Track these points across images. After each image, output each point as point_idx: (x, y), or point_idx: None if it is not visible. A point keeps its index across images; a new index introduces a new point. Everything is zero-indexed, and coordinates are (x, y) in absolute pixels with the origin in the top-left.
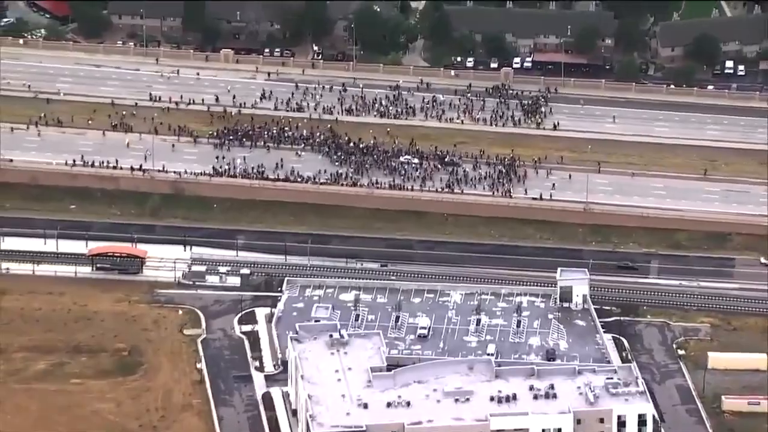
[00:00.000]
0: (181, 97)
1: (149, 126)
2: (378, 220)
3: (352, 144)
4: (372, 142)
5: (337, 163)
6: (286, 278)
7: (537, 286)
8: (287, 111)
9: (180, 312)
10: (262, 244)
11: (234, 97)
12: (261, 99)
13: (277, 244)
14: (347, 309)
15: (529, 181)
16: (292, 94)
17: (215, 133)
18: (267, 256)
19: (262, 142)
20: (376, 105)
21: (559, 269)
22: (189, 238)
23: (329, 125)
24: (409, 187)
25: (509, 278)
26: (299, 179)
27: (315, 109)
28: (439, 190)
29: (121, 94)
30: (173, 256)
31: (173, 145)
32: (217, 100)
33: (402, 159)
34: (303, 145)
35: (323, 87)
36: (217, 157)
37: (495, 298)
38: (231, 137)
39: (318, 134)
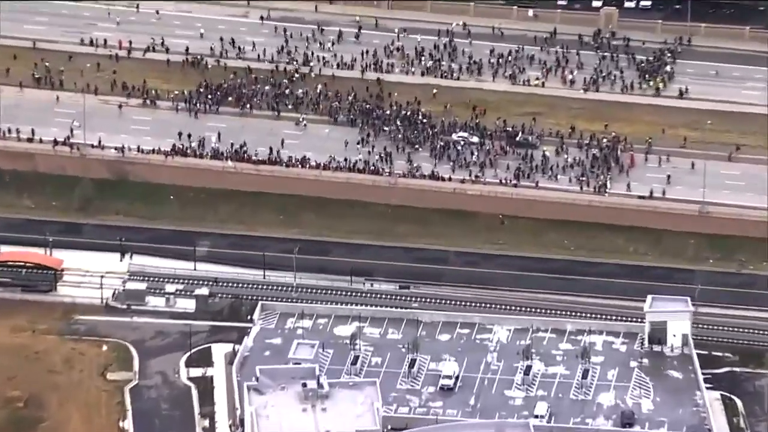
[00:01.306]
0: (131, 43)
1: (87, 80)
2: (402, 223)
3: (381, 111)
4: (412, 109)
5: (358, 144)
6: (260, 302)
7: (618, 320)
8: (289, 64)
9: (104, 348)
10: (232, 254)
11: (214, 43)
12: (253, 47)
13: (254, 254)
14: (343, 348)
15: (635, 171)
16: (303, 39)
17: (182, 94)
18: (238, 270)
19: (249, 107)
20: (420, 58)
21: (649, 297)
22: (128, 243)
23: (351, 87)
24: (458, 177)
25: (580, 309)
26: (296, 163)
27: (329, 63)
28: (504, 181)
29: (50, 35)
30: (102, 269)
31: (120, 108)
32: (187, 50)
33: (455, 136)
34: (309, 112)
35: (342, 31)
36: (180, 133)
37: (556, 336)
38: (205, 100)
39: (330, 97)
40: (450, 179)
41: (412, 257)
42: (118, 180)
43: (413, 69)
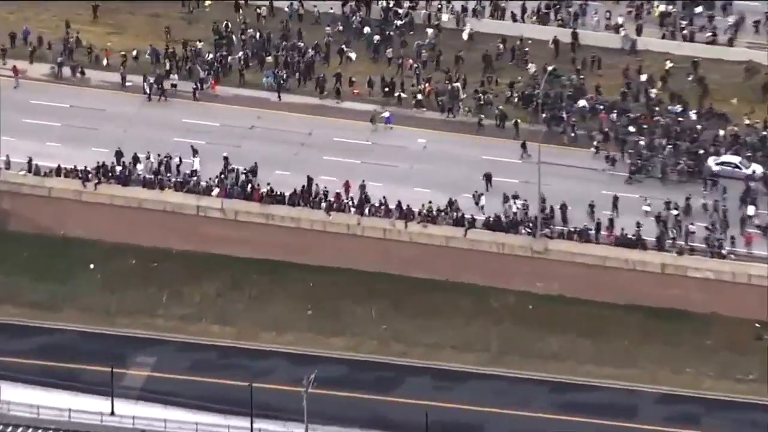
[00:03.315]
0: None
1: None
2: (545, 330)
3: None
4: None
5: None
6: None
7: None
8: None
9: None
10: (192, 384)
11: None
12: None
13: (235, 386)
14: None
15: None
16: None
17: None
18: (200, 417)
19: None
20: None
21: None
22: None
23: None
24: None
25: None
26: (381, 206)
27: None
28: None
29: None
30: None
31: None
32: None
33: (715, 163)
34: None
35: None
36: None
37: None
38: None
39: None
40: (662, 246)
41: (560, 402)
42: None
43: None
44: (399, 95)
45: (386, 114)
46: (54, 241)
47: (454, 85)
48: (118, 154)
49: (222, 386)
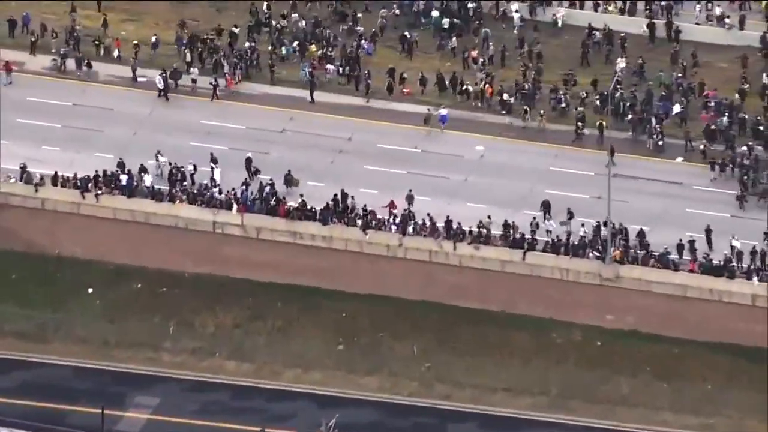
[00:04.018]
0: None
1: None
2: (623, 375)
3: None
4: None
5: None
6: None
7: None
8: None
9: None
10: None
11: None
12: None
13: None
14: None
15: None
16: None
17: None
18: None
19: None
20: None
21: None
22: None
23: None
24: None
25: None
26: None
27: None
28: None
29: None
30: None
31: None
32: None
33: None
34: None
35: None
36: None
37: None
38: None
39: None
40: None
41: None
42: None
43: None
44: (465, 89)
45: (442, 111)
46: (47, 261)
47: (526, 84)
48: (121, 165)
49: None
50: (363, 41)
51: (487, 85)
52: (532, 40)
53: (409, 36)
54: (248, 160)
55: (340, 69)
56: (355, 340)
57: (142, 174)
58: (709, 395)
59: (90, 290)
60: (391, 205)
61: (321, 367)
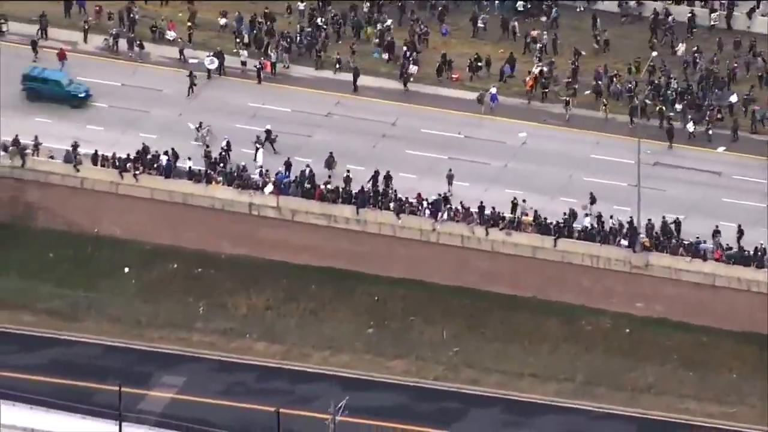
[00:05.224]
0: None
1: None
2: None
3: None
4: None
5: None
6: None
7: None
8: None
9: None
10: (225, 411)
11: None
12: None
13: (264, 411)
14: None
15: None
16: None
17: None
18: None
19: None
20: None
21: None
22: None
23: None
24: None
25: None
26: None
27: None
28: None
29: None
30: None
31: (61, 60)
32: None
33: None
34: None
35: None
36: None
37: None
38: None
39: None
40: None
41: None
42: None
43: None
44: (511, 75)
45: (492, 90)
46: (86, 241)
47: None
48: (145, 150)
49: (255, 413)
50: (442, 25)
51: (535, 70)
52: (599, 29)
53: (479, 14)
54: (268, 132)
55: (407, 53)
56: (385, 324)
57: (176, 159)
58: (734, 384)
59: (126, 270)
60: (418, 197)
61: (350, 350)
